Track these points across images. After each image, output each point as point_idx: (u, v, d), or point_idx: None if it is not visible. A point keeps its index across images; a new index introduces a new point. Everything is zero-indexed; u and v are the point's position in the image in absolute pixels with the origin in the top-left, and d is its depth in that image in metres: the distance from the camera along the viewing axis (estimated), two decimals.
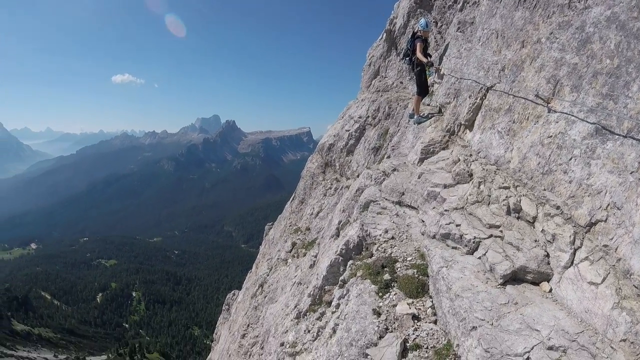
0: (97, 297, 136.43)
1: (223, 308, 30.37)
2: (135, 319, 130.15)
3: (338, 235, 10.27)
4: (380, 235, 7.96)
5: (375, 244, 7.79)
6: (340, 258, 8.34)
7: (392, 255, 7.16)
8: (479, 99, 8.33)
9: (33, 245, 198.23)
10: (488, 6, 9.47)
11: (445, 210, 6.54)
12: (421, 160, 9.72)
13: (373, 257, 7.40)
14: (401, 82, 18.29)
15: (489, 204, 6.08)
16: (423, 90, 11.83)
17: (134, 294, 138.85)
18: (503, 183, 6.04)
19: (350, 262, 7.93)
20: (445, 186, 7.52)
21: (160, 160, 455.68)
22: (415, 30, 11.90)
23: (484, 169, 6.86)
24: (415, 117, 11.76)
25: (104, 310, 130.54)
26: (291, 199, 23.09)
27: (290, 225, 21.00)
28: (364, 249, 8.12)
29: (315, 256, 11.58)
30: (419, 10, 18.95)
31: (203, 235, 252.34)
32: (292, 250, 17.68)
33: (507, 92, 6.80)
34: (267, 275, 17.74)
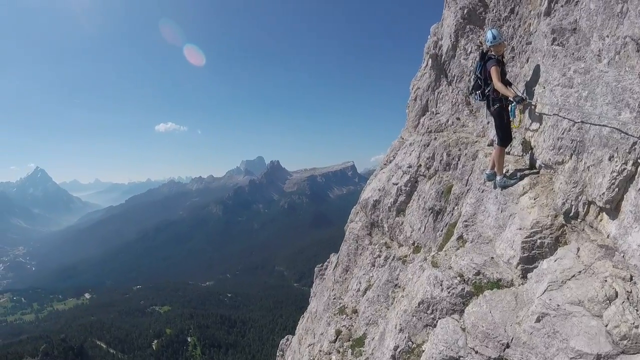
0: (153, 344, 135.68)
1: (277, 354, 28.47)
2: None
3: None
4: None
5: None
6: None
7: None
8: (630, 163, 4.68)
9: (87, 295, 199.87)
10: (602, 0, 5.90)
11: None
12: (523, 262, 6.15)
13: None
14: (458, 119, 14.47)
15: None
16: (507, 136, 8.02)
17: (189, 339, 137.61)
18: None
19: None
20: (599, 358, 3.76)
21: (208, 205, 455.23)
22: (485, 49, 8.11)
23: None
24: (499, 178, 7.90)
25: (159, 357, 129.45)
26: (334, 264, 19.34)
27: (334, 299, 17.28)
28: None
29: None
30: (468, 27, 15.30)
31: (255, 276, 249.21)
32: (336, 340, 14.07)
33: None
34: None
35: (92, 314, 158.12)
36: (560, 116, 6.30)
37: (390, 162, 18.07)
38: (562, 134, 6.17)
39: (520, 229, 6.39)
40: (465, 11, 15.28)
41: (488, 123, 8.96)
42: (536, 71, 7.74)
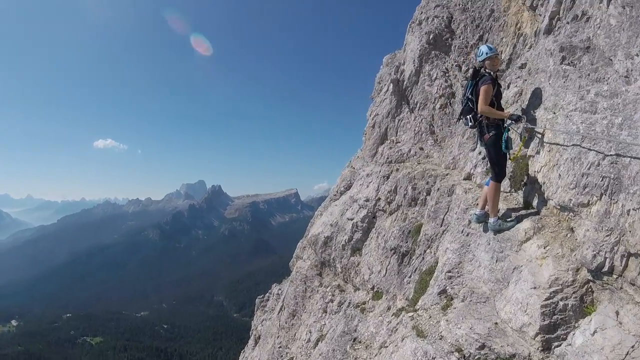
0: None
1: None
2: None
3: None
4: None
5: None
6: None
7: None
8: None
9: (14, 322, 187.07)
10: (627, 16, 4.82)
11: None
12: (544, 331, 4.83)
13: None
14: (421, 149, 13.31)
15: None
16: (502, 170, 6.69)
17: None
18: None
19: None
20: None
21: (144, 229, 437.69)
22: (478, 66, 6.83)
23: None
24: (492, 220, 6.55)
25: None
26: (278, 308, 17.49)
27: (280, 348, 15.48)
28: None
29: None
30: (433, 52, 14.37)
31: (193, 306, 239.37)
32: None
33: None
34: None
35: (19, 343, 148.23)
36: (584, 147, 5.03)
37: (341, 193, 16.69)
38: (588, 169, 4.88)
39: (534, 287, 5.01)
40: (430, 36, 14.38)
41: (480, 154, 7.64)
42: (537, 94, 6.51)
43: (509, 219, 6.46)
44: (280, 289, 20.94)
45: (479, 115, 6.56)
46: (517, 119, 6.41)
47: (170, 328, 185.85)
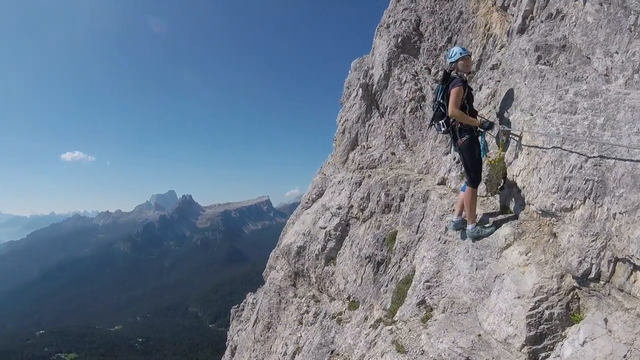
0: None
1: None
2: None
3: None
4: None
5: None
6: None
7: None
8: None
9: None
10: (604, 13, 4.87)
11: None
12: (530, 343, 4.64)
13: None
14: (393, 154, 13.12)
15: None
16: (477, 175, 6.47)
17: None
18: None
19: None
20: None
21: (115, 242, 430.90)
22: (449, 69, 6.59)
23: None
24: (470, 227, 6.31)
25: None
26: (253, 320, 17.07)
27: None
28: None
29: None
30: (402, 55, 14.20)
31: (167, 318, 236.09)
32: None
33: None
34: None
35: None
36: (565, 149, 4.82)
37: (313, 200, 16.39)
38: (570, 172, 4.67)
39: (518, 297, 4.77)
40: (399, 39, 14.22)
41: (455, 159, 7.37)
42: (512, 95, 6.30)
43: (488, 225, 6.24)
44: (255, 298, 20.57)
45: (451, 119, 6.31)
46: (488, 127, 6.23)
47: (145, 341, 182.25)
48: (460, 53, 6.39)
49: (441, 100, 6.45)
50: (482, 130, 6.34)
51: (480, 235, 6.16)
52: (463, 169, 6.91)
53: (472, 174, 6.35)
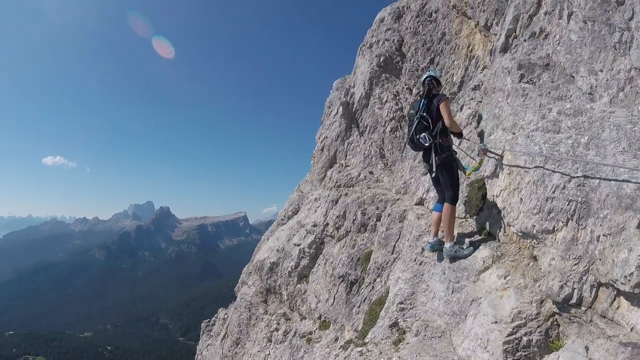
0: None
1: None
2: None
3: None
4: None
5: None
6: None
7: None
8: None
9: None
10: (588, 30, 4.91)
11: None
12: None
13: None
14: (371, 173, 12.93)
15: None
16: (457, 192, 6.34)
17: None
18: None
19: None
20: None
21: (91, 249, 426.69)
22: (426, 80, 6.51)
23: None
24: (448, 246, 6.11)
25: None
26: (222, 335, 16.58)
27: None
28: None
29: None
30: (384, 75, 14.14)
31: (137, 329, 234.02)
32: None
33: None
34: None
35: None
36: (548, 169, 4.64)
37: (289, 217, 16.10)
38: (553, 192, 4.48)
39: (496, 322, 4.54)
40: (381, 59, 14.17)
41: (432, 174, 7.06)
42: (494, 114, 6.14)
43: (466, 246, 6.05)
44: (226, 314, 20.13)
45: (433, 132, 6.16)
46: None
47: (114, 350, 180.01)
48: (433, 80, 6.53)
49: (424, 114, 6.30)
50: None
51: (457, 255, 5.96)
52: (438, 186, 6.73)
53: (452, 191, 6.19)
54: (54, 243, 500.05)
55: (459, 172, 6.48)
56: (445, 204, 6.22)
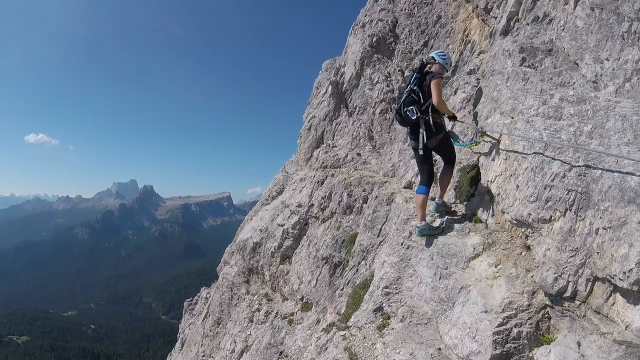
0: None
1: None
2: None
3: None
4: None
5: None
6: None
7: None
8: None
9: None
10: (595, 18, 4.78)
11: None
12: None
13: None
14: (359, 155, 12.74)
15: None
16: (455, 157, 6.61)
17: None
18: None
19: None
20: None
21: (74, 227, 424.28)
22: (426, 61, 6.38)
23: None
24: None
25: None
26: (203, 315, 16.43)
27: (203, 356, 14.52)
28: None
29: None
30: (376, 55, 13.85)
31: (120, 307, 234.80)
32: None
33: None
34: None
35: None
36: (548, 156, 4.47)
37: (273, 197, 15.89)
38: (552, 180, 4.32)
39: (485, 311, 4.40)
40: (374, 39, 13.88)
41: (420, 152, 6.76)
42: (492, 97, 5.95)
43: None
44: (208, 293, 20.01)
45: (423, 107, 6.03)
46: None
47: (97, 328, 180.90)
48: (433, 62, 6.48)
49: (414, 87, 6.12)
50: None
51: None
52: (422, 166, 6.61)
53: (450, 158, 6.58)
54: (37, 222, 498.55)
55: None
56: (445, 165, 6.61)
